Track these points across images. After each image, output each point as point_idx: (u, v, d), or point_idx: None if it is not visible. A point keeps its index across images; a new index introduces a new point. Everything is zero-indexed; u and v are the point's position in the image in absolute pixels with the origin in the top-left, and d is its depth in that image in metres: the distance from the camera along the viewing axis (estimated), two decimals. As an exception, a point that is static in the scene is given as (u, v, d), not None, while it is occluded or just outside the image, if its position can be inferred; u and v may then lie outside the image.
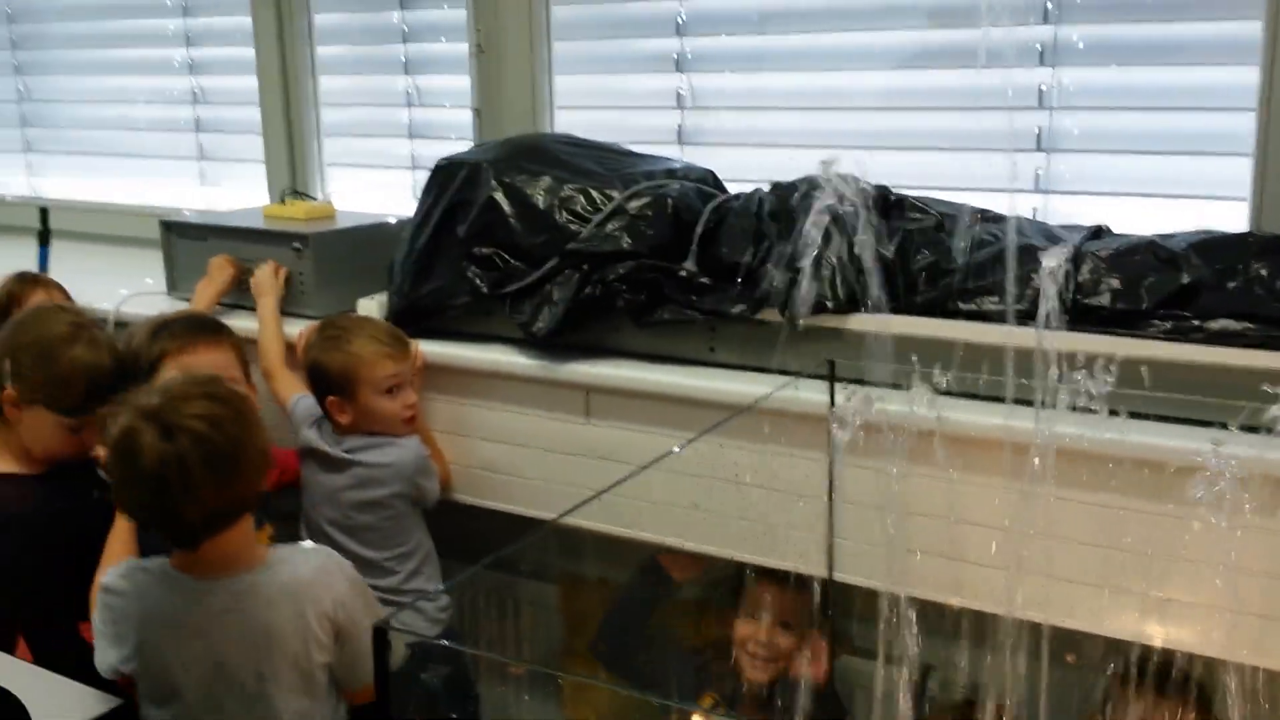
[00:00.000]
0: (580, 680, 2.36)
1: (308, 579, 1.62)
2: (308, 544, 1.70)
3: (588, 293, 1.94)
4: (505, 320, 2.05)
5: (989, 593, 1.66)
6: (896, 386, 1.74)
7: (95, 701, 1.61)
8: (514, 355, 2.03)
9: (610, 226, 1.96)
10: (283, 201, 2.56)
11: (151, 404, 1.52)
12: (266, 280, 2.27)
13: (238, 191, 3.19)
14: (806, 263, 1.80)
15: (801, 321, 1.80)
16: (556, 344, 1.99)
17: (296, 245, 2.28)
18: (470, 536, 2.19)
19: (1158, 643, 1.60)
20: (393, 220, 2.41)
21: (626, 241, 1.93)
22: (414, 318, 2.13)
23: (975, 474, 1.66)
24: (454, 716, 2.10)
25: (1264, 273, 1.60)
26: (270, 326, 2.21)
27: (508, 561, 2.30)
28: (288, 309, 2.30)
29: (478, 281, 2.07)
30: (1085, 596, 1.64)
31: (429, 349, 2.10)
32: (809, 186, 1.92)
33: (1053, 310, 1.58)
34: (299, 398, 2.12)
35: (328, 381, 2.02)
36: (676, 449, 1.71)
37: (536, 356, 2.01)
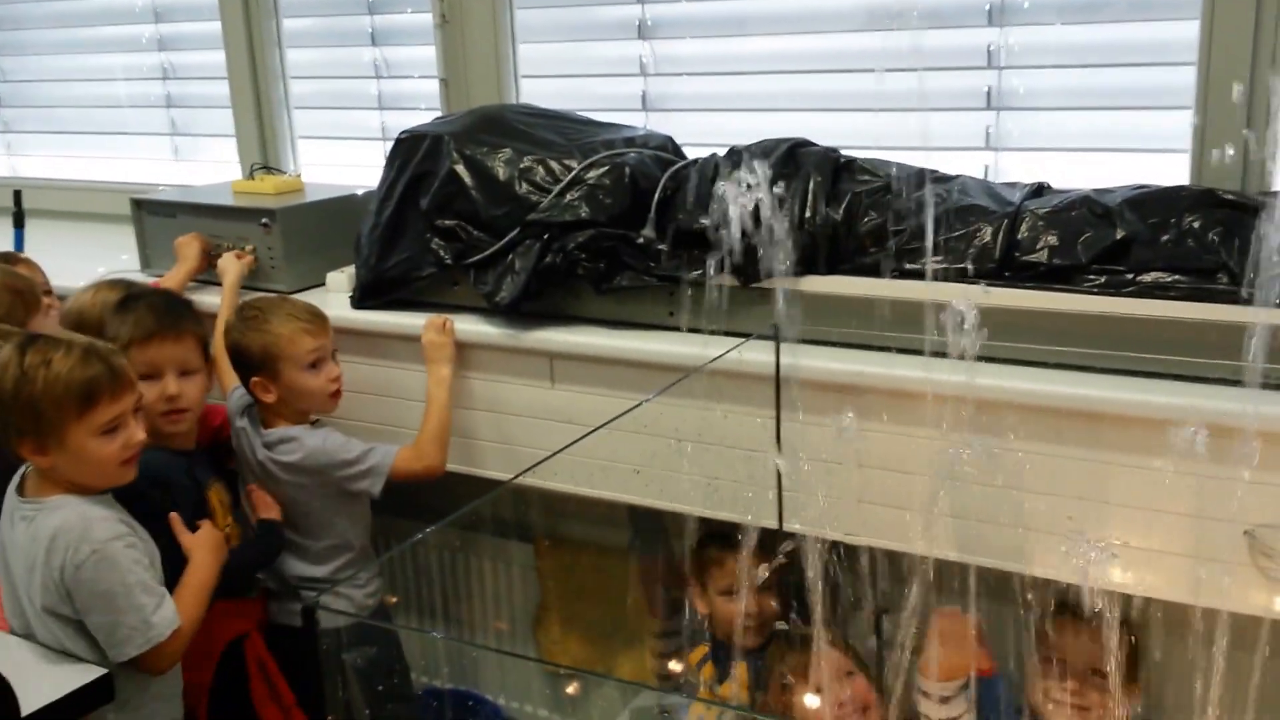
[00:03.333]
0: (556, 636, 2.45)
1: (45, 536, 1.70)
2: (92, 510, 1.74)
3: (549, 262, 1.98)
4: (470, 290, 2.09)
5: (933, 539, 1.72)
6: (846, 345, 1.80)
7: (77, 673, 1.68)
8: (480, 324, 2.08)
9: (569, 196, 2.00)
10: (252, 176, 2.60)
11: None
12: (229, 265, 2.32)
13: (212, 166, 3.22)
14: (760, 228, 1.85)
15: (756, 285, 1.85)
16: (520, 312, 2.04)
17: (264, 221, 2.32)
18: (440, 500, 2.26)
19: (1096, 584, 1.66)
20: (360, 192, 2.45)
21: (585, 211, 1.97)
22: (382, 290, 2.18)
23: (918, 427, 1.71)
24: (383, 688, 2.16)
25: (1195, 226, 1.65)
26: (225, 314, 2.24)
27: (478, 521, 2.38)
28: (258, 284, 2.35)
29: (442, 253, 2.11)
30: (1028, 541, 1.70)
31: (397, 320, 2.15)
32: (763, 152, 1.97)
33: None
34: (233, 389, 2.17)
35: (250, 362, 2.06)
36: (640, 404, 1.75)
37: (501, 325, 2.06)
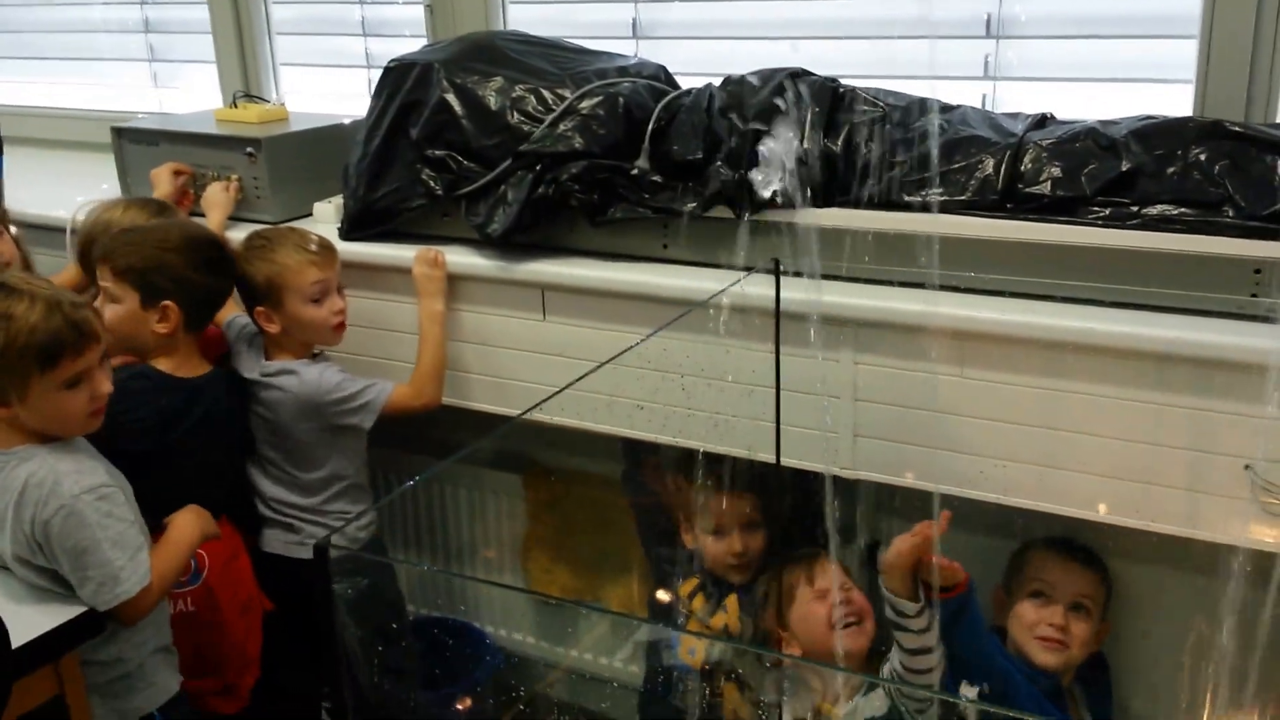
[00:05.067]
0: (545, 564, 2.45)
1: (15, 489, 1.67)
2: (61, 463, 1.68)
3: (541, 193, 1.95)
4: (461, 222, 2.06)
5: (930, 472, 1.72)
6: (844, 279, 1.78)
7: (63, 608, 1.67)
8: (471, 256, 2.05)
9: (563, 127, 1.96)
10: (234, 105, 2.54)
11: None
12: (216, 195, 2.28)
13: (191, 94, 3.15)
14: (757, 159, 1.82)
15: (752, 217, 1.82)
16: (512, 244, 2.01)
17: (249, 150, 2.27)
18: (428, 431, 2.25)
19: (1068, 512, 1.67)
20: (347, 121, 2.39)
21: (579, 141, 1.93)
22: (370, 221, 2.14)
23: (918, 360, 1.70)
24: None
25: (1202, 158, 1.62)
26: None
27: (474, 454, 2.37)
28: (243, 214, 2.31)
29: (432, 184, 2.07)
30: (1023, 473, 1.70)
31: (387, 252, 2.11)
32: (759, 81, 1.93)
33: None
34: (233, 318, 2.15)
35: (254, 292, 2.03)
36: (647, 338, 1.72)
37: (493, 257, 2.03)
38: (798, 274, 1.77)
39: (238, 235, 2.20)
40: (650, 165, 1.92)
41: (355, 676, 2.18)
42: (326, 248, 2.05)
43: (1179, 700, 1.80)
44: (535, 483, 2.44)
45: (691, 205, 1.86)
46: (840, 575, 1.92)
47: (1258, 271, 1.54)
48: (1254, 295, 1.55)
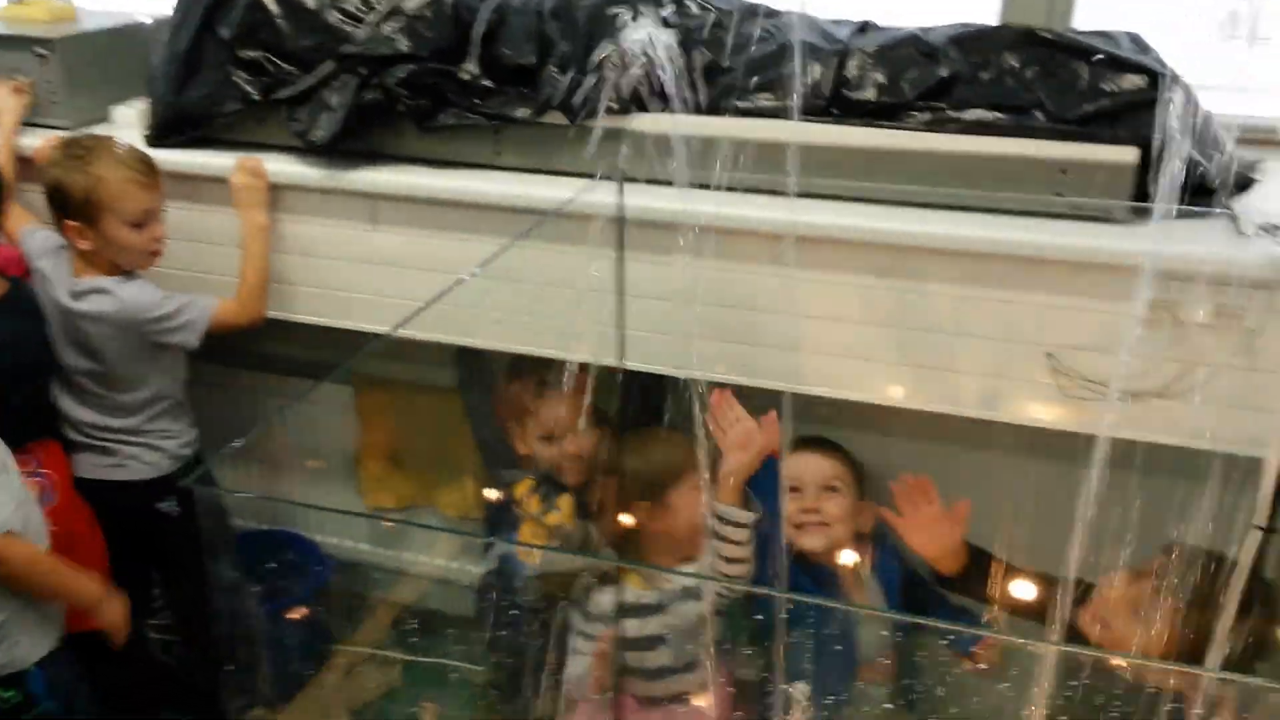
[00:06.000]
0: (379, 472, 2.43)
1: None
2: None
3: (367, 98, 1.89)
4: (280, 128, 1.97)
5: (768, 371, 1.79)
6: (678, 185, 1.80)
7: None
8: (294, 164, 1.97)
9: (387, 28, 1.89)
10: (19, 0, 2.34)
11: None
12: (6, 101, 2.10)
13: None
14: (589, 64, 1.81)
15: (585, 123, 1.82)
16: (337, 151, 1.95)
17: (40, 51, 2.10)
18: (252, 345, 2.18)
19: (911, 404, 1.77)
20: (148, 20, 2.24)
21: (405, 44, 1.87)
22: (179, 127, 2.03)
23: (752, 263, 1.75)
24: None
25: (1014, 64, 1.71)
26: (4, 155, 2.05)
27: (294, 366, 2.31)
28: (34, 120, 2.15)
29: (247, 87, 1.98)
30: (848, 368, 1.78)
31: (202, 160, 2.01)
32: (587, -17, 1.91)
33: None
34: (31, 230, 2.02)
35: (68, 204, 1.90)
36: (505, 249, 1.69)
37: (317, 165, 1.96)
38: (632, 179, 1.78)
39: (32, 142, 2.06)
40: (480, 70, 1.88)
41: (192, 597, 2.14)
42: (151, 169, 1.93)
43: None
44: (367, 392, 2.40)
45: (524, 112, 1.85)
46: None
47: (1064, 172, 1.65)
48: (1059, 194, 1.66)
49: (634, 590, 1.96)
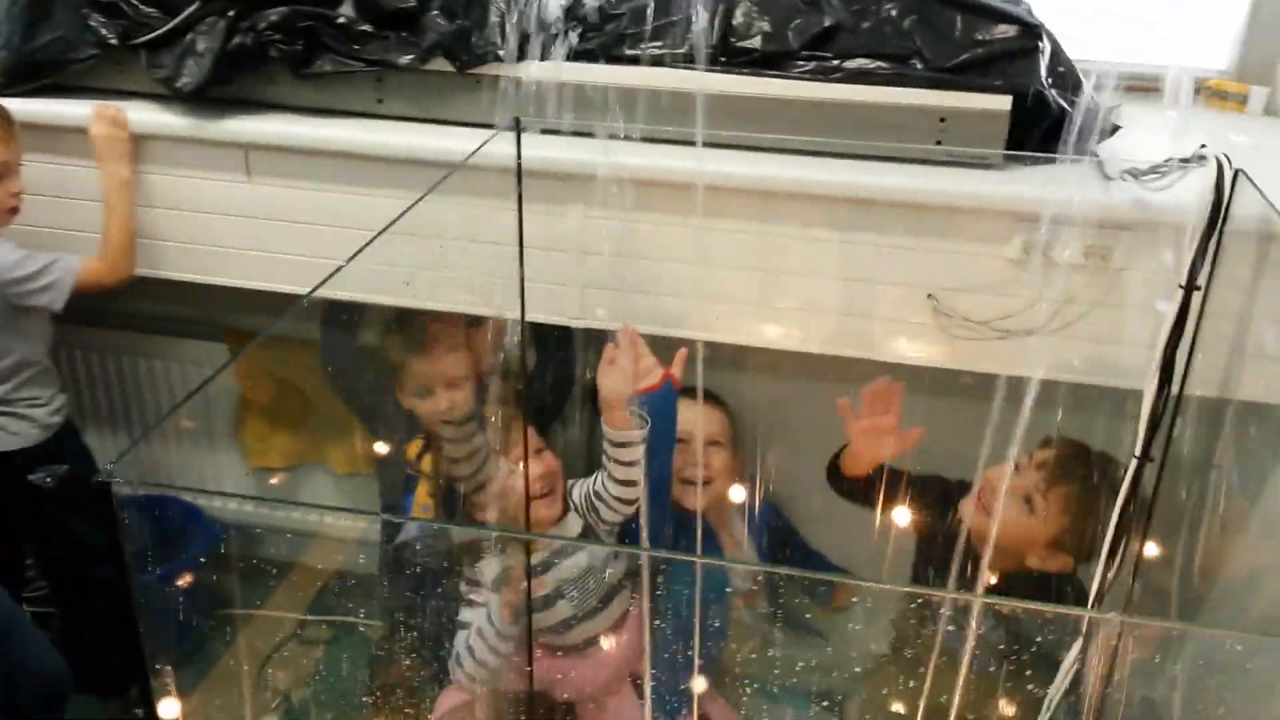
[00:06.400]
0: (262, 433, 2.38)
1: None
2: None
3: (237, 42, 1.81)
4: (143, 75, 1.88)
5: (664, 318, 1.81)
6: (567, 133, 1.80)
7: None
8: (160, 114, 1.88)
9: (255, -32, 1.82)
10: None
11: None
12: None
13: None
14: (474, 9, 1.78)
15: (472, 71, 1.79)
16: (207, 99, 1.87)
17: None
18: (121, 305, 2.09)
19: (797, 348, 1.82)
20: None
21: (276, -15, 1.81)
22: (29, 74, 1.91)
23: (645, 212, 1.77)
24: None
25: (894, 13, 1.75)
26: None
27: (165, 324, 2.23)
28: None
29: (104, 31, 1.88)
30: (736, 314, 1.82)
31: (56, 109, 1.90)
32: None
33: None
34: None
35: None
36: (414, 204, 1.63)
37: (186, 114, 1.87)
38: (519, 128, 1.77)
39: None
40: (358, 13, 1.83)
41: (71, 572, 2.06)
42: (7, 120, 1.82)
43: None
44: (240, 348, 2.33)
45: (407, 58, 1.80)
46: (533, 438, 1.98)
47: (942, 120, 1.71)
48: (939, 142, 1.72)
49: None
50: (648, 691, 1.93)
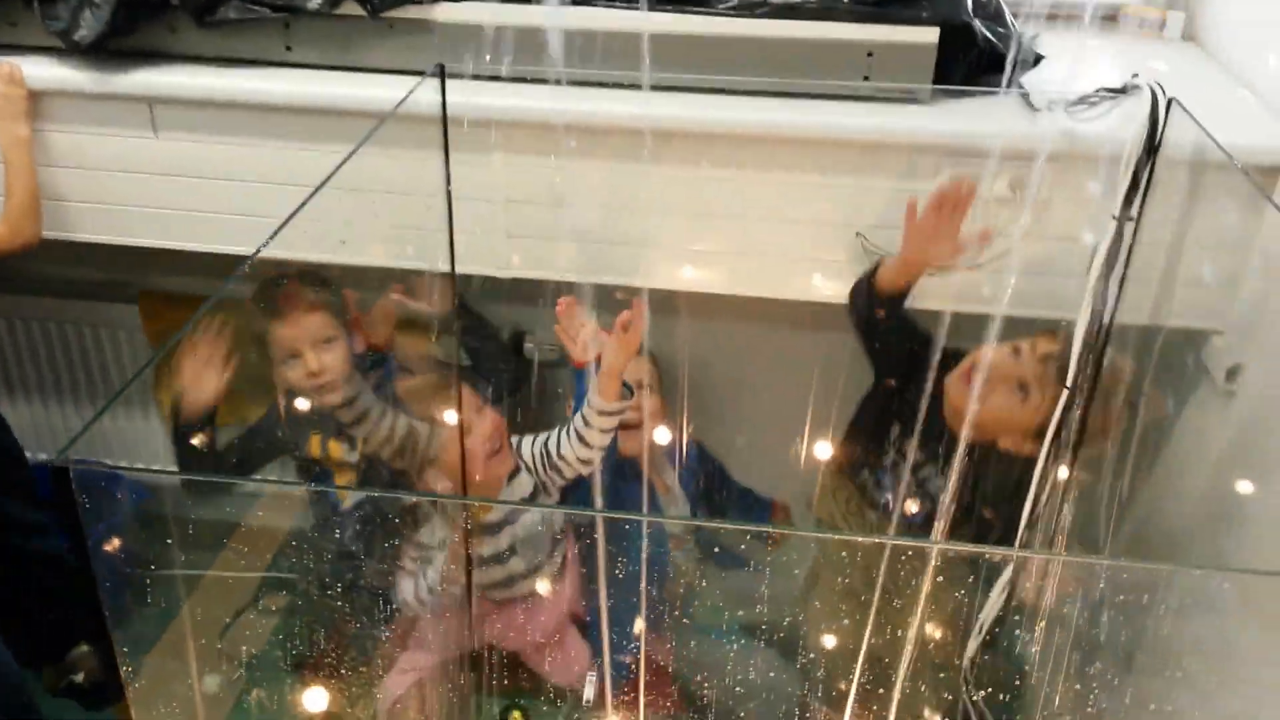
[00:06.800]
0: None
1: None
2: None
3: (134, -10, 1.73)
4: (38, 28, 1.79)
5: (594, 266, 1.79)
6: (494, 79, 1.75)
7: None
8: (56, 68, 1.79)
9: (147, -89, 1.73)
10: None
11: None
12: None
13: None
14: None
15: (384, 15, 1.73)
16: (107, 51, 1.78)
17: None
18: (30, 268, 2.01)
19: (728, 291, 1.81)
20: None
21: (172, -72, 1.72)
22: (-89, 30, 1.81)
23: (570, 157, 1.73)
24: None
25: (818, -53, 1.72)
26: None
27: (72, 288, 2.15)
28: None
29: (-8, -18, 1.78)
30: (662, 258, 1.80)
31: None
32: None
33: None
34: None
35: None
36: (346, 158, 1.54)
37: (84, 68, 1.79)
38: (444, 74, 1.71)
39: None
40: (261, -43, 1.75)
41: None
42: None
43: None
44: (155, 311, 2.25)
45: (317, 2, 1.73)
46: (470, 396, 1.95)
47: (869, 54, 1.69)
48: (867, 78, 1.70)
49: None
50: (606, 640, 1.93)
